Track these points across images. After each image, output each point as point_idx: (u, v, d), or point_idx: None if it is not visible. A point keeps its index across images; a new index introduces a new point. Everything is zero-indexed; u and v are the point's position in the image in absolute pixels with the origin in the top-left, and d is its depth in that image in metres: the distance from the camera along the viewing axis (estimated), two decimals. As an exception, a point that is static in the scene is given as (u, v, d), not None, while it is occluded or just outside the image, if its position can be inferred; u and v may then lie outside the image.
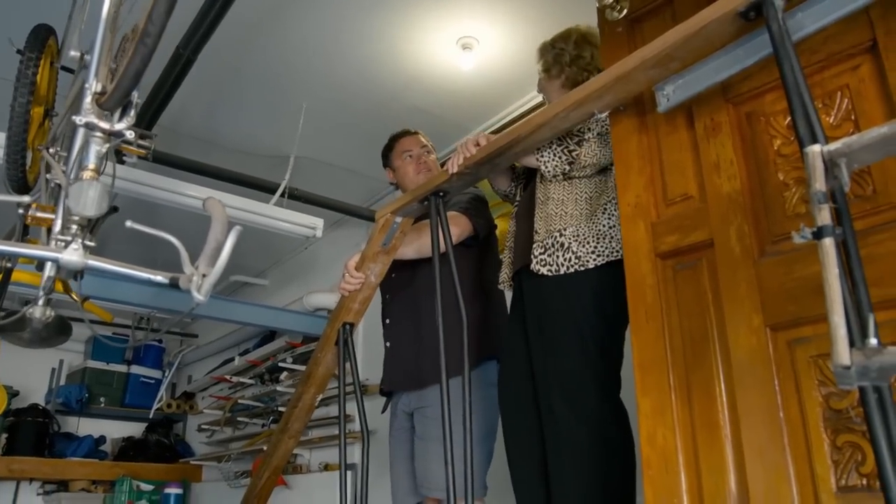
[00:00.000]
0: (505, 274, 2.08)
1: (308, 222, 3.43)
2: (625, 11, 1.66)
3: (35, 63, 1.78)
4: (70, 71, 2.18)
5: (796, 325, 1.17)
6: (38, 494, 5.82)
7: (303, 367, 4.60)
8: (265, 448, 4.53)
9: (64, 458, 5.80)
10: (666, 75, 1.40)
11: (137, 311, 5.29)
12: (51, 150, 1.96)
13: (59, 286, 1.93)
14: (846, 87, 1.23)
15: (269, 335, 5.33)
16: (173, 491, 5.38)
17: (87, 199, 1.16)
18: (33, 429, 5.64)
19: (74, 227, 1.21)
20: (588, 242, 1.78)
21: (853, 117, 1.21)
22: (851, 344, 0.84)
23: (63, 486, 5.73)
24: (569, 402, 1.69)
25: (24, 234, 2.00)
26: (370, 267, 2.07)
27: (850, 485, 1.06)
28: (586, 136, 1.83)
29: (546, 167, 1.83)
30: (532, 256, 1.83)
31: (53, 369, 6.34)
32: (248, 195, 3.58)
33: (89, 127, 1.23)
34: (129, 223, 1.18)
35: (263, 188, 3.82)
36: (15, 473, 5.52)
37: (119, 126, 1.24)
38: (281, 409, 4.70)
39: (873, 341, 0.82)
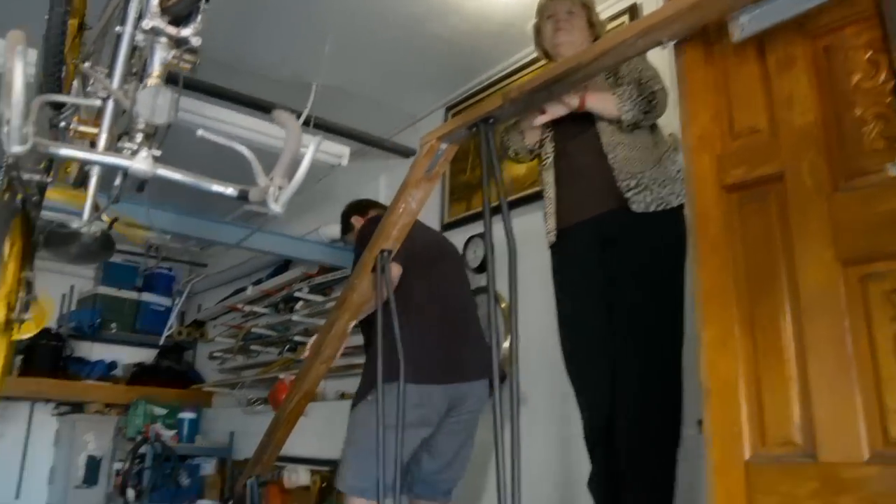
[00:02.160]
0: (551, 224, 2.19)
1: (335, 150, 3.37)
2: (694, -65, 1.60)
3: (72, -28, 1.73)
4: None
5: (870, 260, 1.17)
6: (53, 415, 5.94)
7: (319, 298, 4.63)
8: (280, 376, 4.61)
9: (79, 381, 5.89)
10: (742, 4, 1.35)
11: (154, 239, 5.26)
12: (86, 64, 1.92)
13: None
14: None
15: (283, 265, 5.34)
16: (187, 416, 5.48)
17: (157, 107, 1.14)
18: (48, 352, 5.70)
19: (140, 135, 1.19)
20: (665, 185, 2.00)
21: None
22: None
23: (77, 408, 5.83)
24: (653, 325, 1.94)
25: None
26: (412, 193, 2.05)
27: (920, 416, 1.08)
28: (655, 88, 2.00)
29: (626, 116, 1.99)
30: (625, 197, 1.99)
31: (64, 295, 6.37)
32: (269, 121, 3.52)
33: (155, 32, 1.19)
34: (200, 132, 1.16)
35: (285, 116, 3.75)
36: (31, 394, 5.62)
37: (185, 32, 1.20)
38: (296, 338, 4.75)
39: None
